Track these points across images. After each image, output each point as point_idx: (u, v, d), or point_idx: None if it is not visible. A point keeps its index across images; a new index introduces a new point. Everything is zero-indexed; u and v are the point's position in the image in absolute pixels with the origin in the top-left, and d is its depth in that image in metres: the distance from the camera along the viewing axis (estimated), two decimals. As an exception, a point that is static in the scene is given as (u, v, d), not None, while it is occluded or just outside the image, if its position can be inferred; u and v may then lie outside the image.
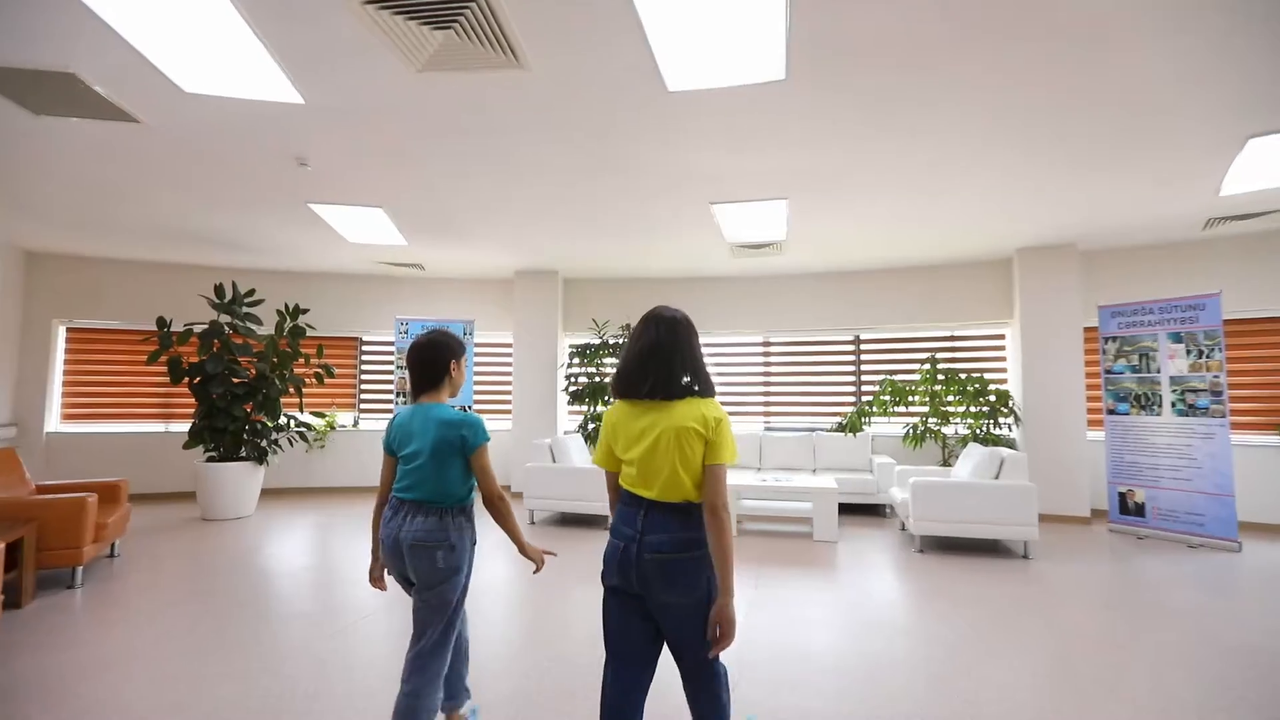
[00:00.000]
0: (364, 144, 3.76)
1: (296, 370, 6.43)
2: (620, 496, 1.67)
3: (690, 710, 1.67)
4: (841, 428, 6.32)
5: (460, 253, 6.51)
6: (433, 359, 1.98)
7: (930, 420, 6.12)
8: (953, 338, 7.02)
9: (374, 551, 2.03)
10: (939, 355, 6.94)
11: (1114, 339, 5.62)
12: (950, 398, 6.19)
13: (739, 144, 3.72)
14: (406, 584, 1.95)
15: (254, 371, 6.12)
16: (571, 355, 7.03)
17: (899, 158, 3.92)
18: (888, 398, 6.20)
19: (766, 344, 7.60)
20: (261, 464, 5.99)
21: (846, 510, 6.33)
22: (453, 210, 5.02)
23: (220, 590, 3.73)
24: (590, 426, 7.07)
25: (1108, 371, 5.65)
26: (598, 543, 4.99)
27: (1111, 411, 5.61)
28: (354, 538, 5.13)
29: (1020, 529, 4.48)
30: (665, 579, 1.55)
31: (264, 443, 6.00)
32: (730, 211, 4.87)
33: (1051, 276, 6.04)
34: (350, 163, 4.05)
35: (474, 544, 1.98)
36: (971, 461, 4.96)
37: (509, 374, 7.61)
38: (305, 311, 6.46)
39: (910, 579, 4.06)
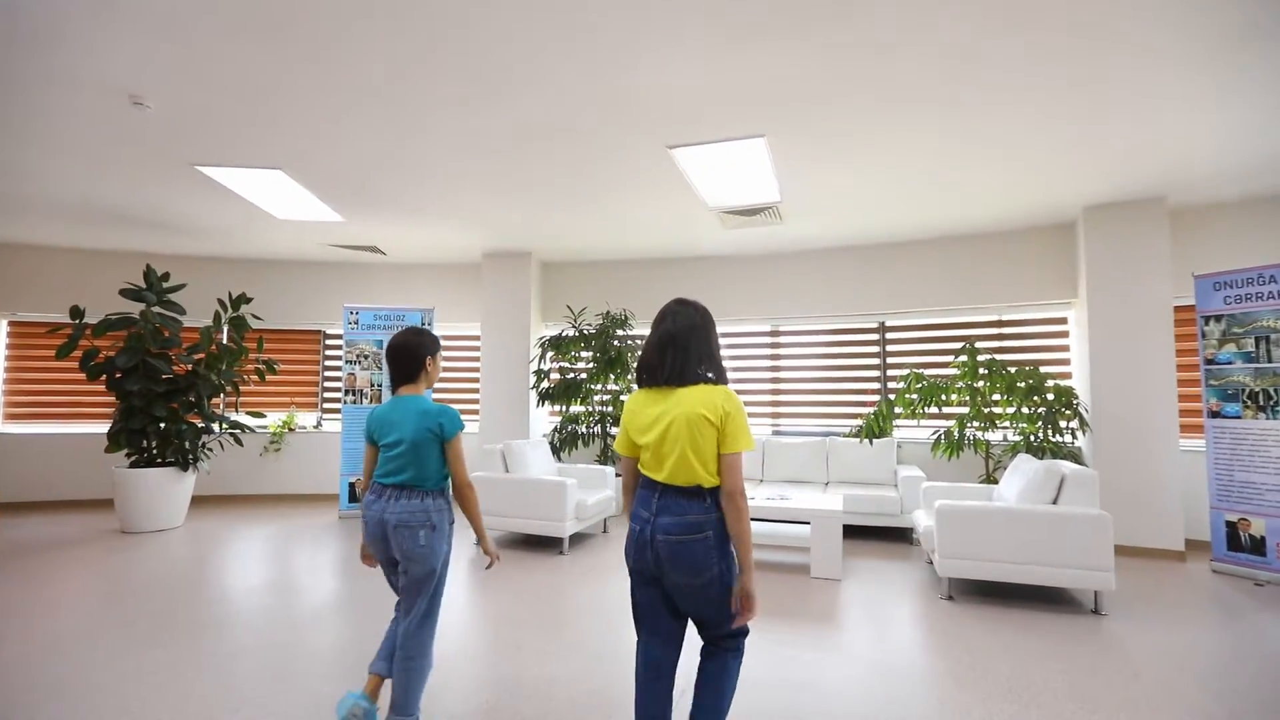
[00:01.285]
0: (218, 78, 2.96)
1: (245, 366, 5.78)
2: (640, 481, 1.76)
3: (696, 684, 1.75)
4: (858, 433, 5.17)
5: (413, 231, 5.72)
6: (410, 355, 2.12)
7: (970, 424, 4.91)
8: (1000, 322, 5.75)
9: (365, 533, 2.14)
10: (984, 344, 5.67)
11: (1218, 318, 4.29)
12: (996, 396, 4.96)
13: (688, 46, 2.72)
14: (390, 564, 2.10)
15: (184, 368, 5.50)
16: (544, 348, 6.13)
17: (910, 70, 2.82)
18: (915, 396, 5.02)
19: (775, 334, 6.50)
20: (188, 470, 5.34)
21: (865, 534, 5.18)
22: (366, 170, 4.20)
23: (93, 620, 3.00)
24: (567, 430, 6.16)
25: (1210, 361, 4.32)
26: (552, 574, 4.06)
27: (1216, 414, 4.28)
28: (295, 552, 4.40)
29: (1088, 573, 3.28)
30: (674, 560, 1.65)
31: (187, 445, 5.35)
32: (696, 158, 3.85)
33: (1130, 241, 4.73)
34: (216, 106, 3.27)
35: (452, 523, 2.14)
36: (1020, 478, 3.76)
37: (478, 369, 6.79)
38: (248, 301, 5.81)
39: (930, 641, 2.95)
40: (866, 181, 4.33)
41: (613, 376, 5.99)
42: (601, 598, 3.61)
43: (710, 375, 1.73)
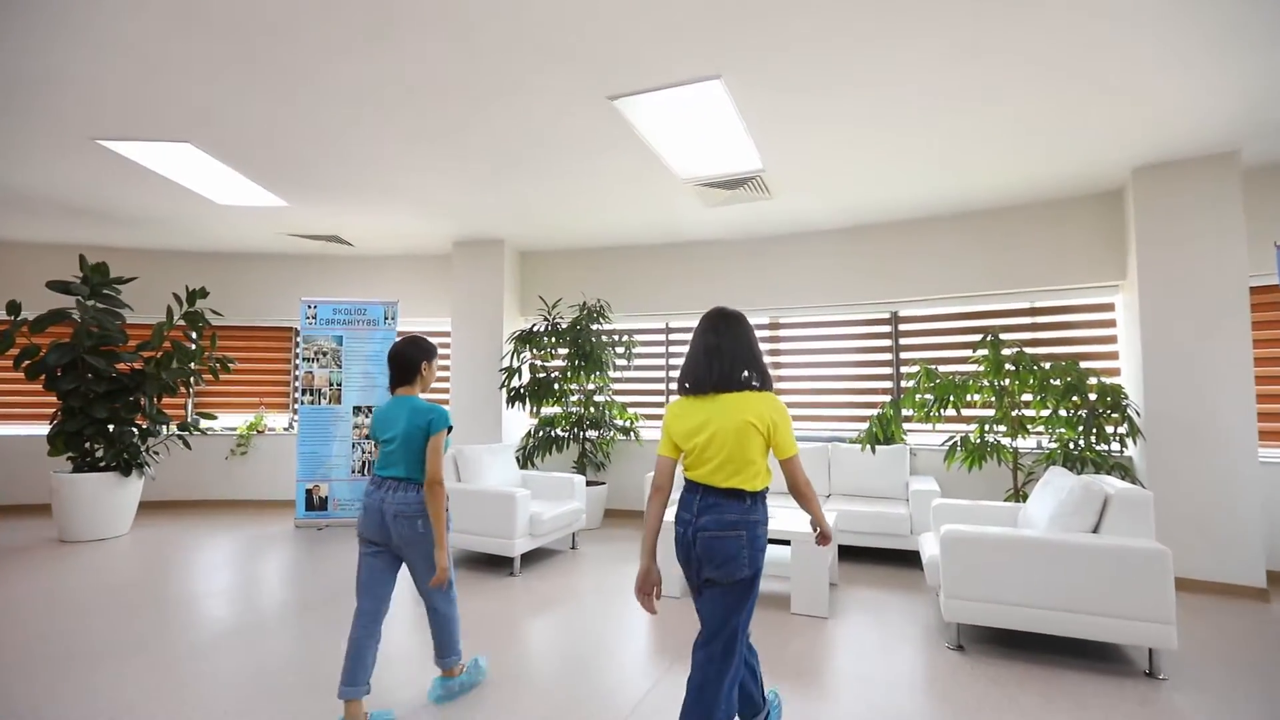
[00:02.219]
0: (105, 40, 2.51)
1: (203, 365, 5.43)
2: (684, 484, 1.83)
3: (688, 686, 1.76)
4: (861, 439, 4.45)
5: (369, 218, 5.26)
6: (408, 360, 2.34)
7: (992, 428, 4.14)
8: (1033, 310, 4.93)
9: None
10: (1014, 336, 4.88)
11: (1309, 299, 3.44)
12: (1026, 396, 4.19)
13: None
14: (372, 546, 2.25)
15: (130, 366, 5.17)
16: (517, 344, 5.59)
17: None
18: (929, 397, 4.27)
19: (774, 326, 5.82)
20: (129, 475, 4.99)
21: (869, 557, 4.46)
22: (279, 139, 3.72)
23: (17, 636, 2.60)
24: (541, 434, 5.61)
25: (1298, 352, 3.47)
26: (490, 600, 3.50)
27: (1307, 418, 3.43)
28: (242, 564, 3.97)
29: (1140, 626, 2.53)
30: (709, 554, 1.72)
31: (130, 448, 4.99)
32: (646, 111, 3.24)
33: (1193, 208, 3.89)
34: (105, 74, 2.82)
35: (448, 509, 2.26)
36: (1052, 498, 3.02)
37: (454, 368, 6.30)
38: (205, 295, 5.45)
39: (927, 708, 2.27)
40: (859, 141, 3.64)
41: (584, 375, 5.40)
42: (545, 633, 3.03)
43: (755, 382, 1.81)
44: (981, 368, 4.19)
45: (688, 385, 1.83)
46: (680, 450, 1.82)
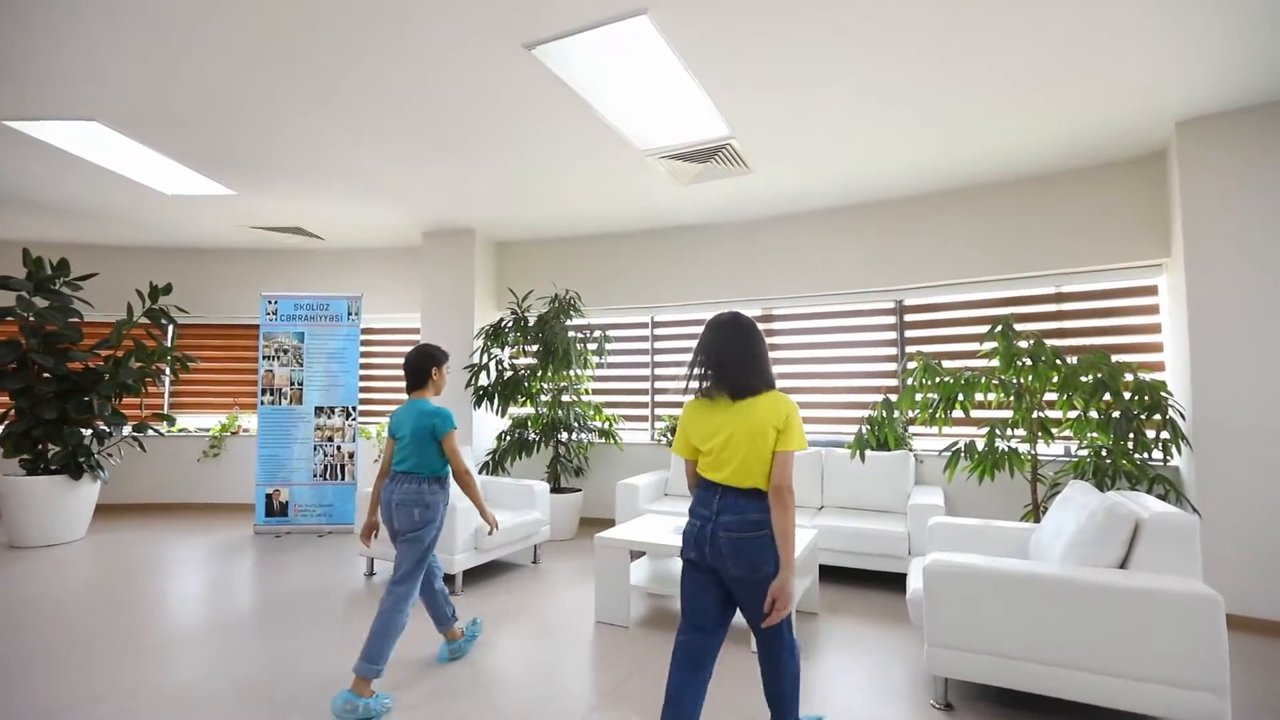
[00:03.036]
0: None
1: (161, 363, 5.21)
2: (699, 482, 1.89)
3: (761, 674, 1.94)
4: (853, 445, 3.88)
5: (325, 206, 4.94)
6: (418, 367, 2.59)
7: (1005, 432, 3.52)
8: (1059, 296, 4.28)
9: (370, 513, 2.65)
10: (1036, 325, 4.25)
11: None
12: (1050, 396, 3.57)
13: None
14: (394, 536, 2.50)
15: (84, 365, 4.97)
16: (486, 339, 5.20)
17: None
18: (934, 396, 3.67)
19: (766, 319, 5.28)
20: (80, 478, 4.78)
21: (863, 580, 3.90)
22: (185, 112, 3.39)
23: None
24: (512, 436, 5.20)
25: (1393, 340, 2.78)
26: (412, 624, 3.09)
27: (1405, 422, 2.75)
28: (195, 573, 3.69)
29: (1182, 693, 1.94)
30: (736, 555, 1.76)
31: (74, 449, 4.78)
32: (577, 64, 2.77)
33: (1255, 166, 3.22)
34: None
35: (446, 504, 2.55)
36: (1071, 520, 2.43)
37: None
38: (167, 292, 5.23)
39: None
40: (838, 100, 3.10)
41: (550, 373, 4.96)
42: (461, 669, 2.60)
43: (760, 383, 1.84)
44: (995, 362, 3.58)
45: (700, 388, 1.88)
46: (697, 451, 1.89)
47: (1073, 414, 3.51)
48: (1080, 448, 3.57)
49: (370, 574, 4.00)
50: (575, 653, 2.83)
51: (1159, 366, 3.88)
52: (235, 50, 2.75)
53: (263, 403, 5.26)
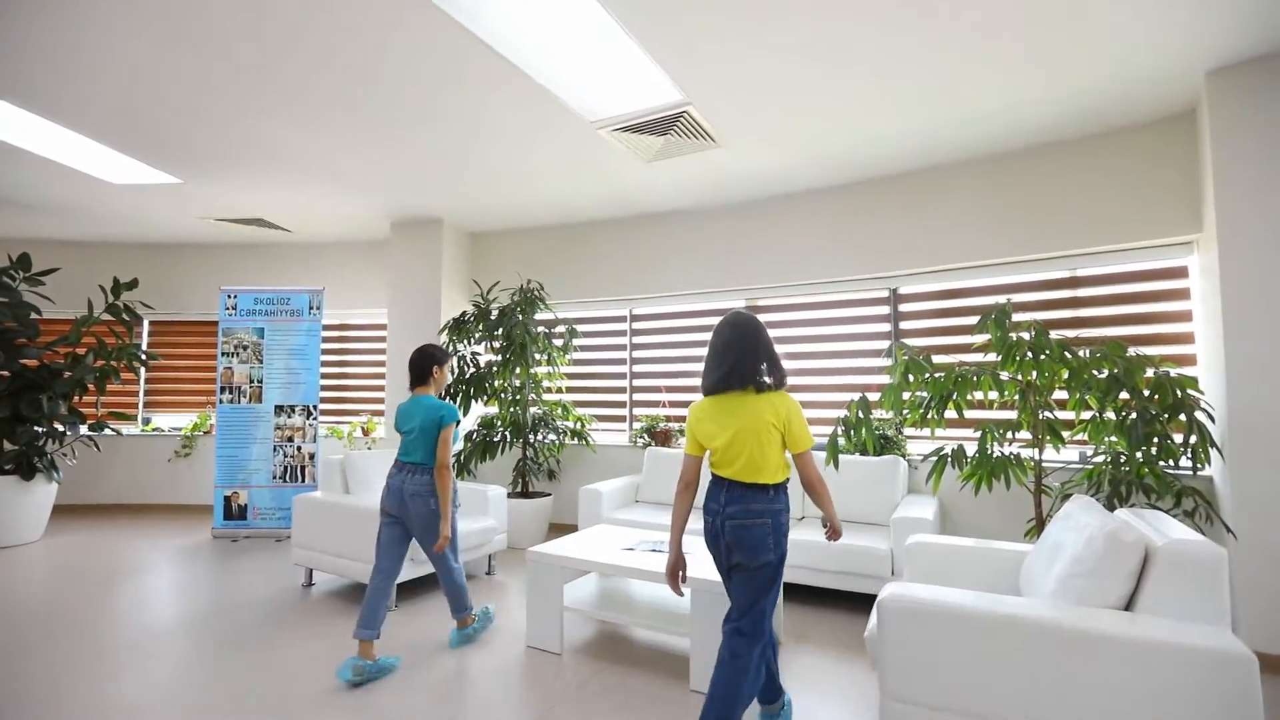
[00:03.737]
0: None
1: (119, 361, 5.04)
2: (711, 479, 1.99)
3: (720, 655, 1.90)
4: (832, 450, 3.44)
5: (282, 194, 4.69)
6: (419, 366, 2.82)
7: (1003, 436, 3.05)
8: (1073, 281, 3.78)
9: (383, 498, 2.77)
10: (1047, 315, 3.76)
11: None
12: (1062, 394, 3.09)
13: None
14: (391, 519, 2.72)
15: (39, 362, 4.82)
16: (451, 334, 4.89)
17: None
18: (924, 394, 3.22)
19: (753, 310, 4.85)
20: (31, 478, 4.62)
21: (840, 602, 3.47)
22: (124, 98, 3.14)
23: None
24: (478, 437, 4.89)
25: None
26: (335, 645, 2.78)
27: None
28: (145, 578, 3.47)
29: (1203, 774, 1.50)
30: (738, 543, 1.88)
31: (26, 448, 4.62)
32: (484, 12, 2.42)
33: (1302, 122, 2.71)
34: None
35: (455, 492, 2.78)
36: (1068, 541, 1.98)
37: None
38: (130, 287, 5.07)
39: None
40: (803, 53, 2.68)
41: (508, 370, 4.63)
42: (370, 698, 2.27)
43: (769, 380, 1.94)
44: (995, 357, 3.11)
45: (710, 385, 1.97)
46: (704, 449, 1.99)
47: (1087, 415, 3.03)
48: (1096, 454, 3.09)
49: (308, 584, 3.72)
50: (487, 685, 2.48)
51: (1190, 360, 3.36)
52: (155, 30, 2.48)
53: (221, 401, 5.05)
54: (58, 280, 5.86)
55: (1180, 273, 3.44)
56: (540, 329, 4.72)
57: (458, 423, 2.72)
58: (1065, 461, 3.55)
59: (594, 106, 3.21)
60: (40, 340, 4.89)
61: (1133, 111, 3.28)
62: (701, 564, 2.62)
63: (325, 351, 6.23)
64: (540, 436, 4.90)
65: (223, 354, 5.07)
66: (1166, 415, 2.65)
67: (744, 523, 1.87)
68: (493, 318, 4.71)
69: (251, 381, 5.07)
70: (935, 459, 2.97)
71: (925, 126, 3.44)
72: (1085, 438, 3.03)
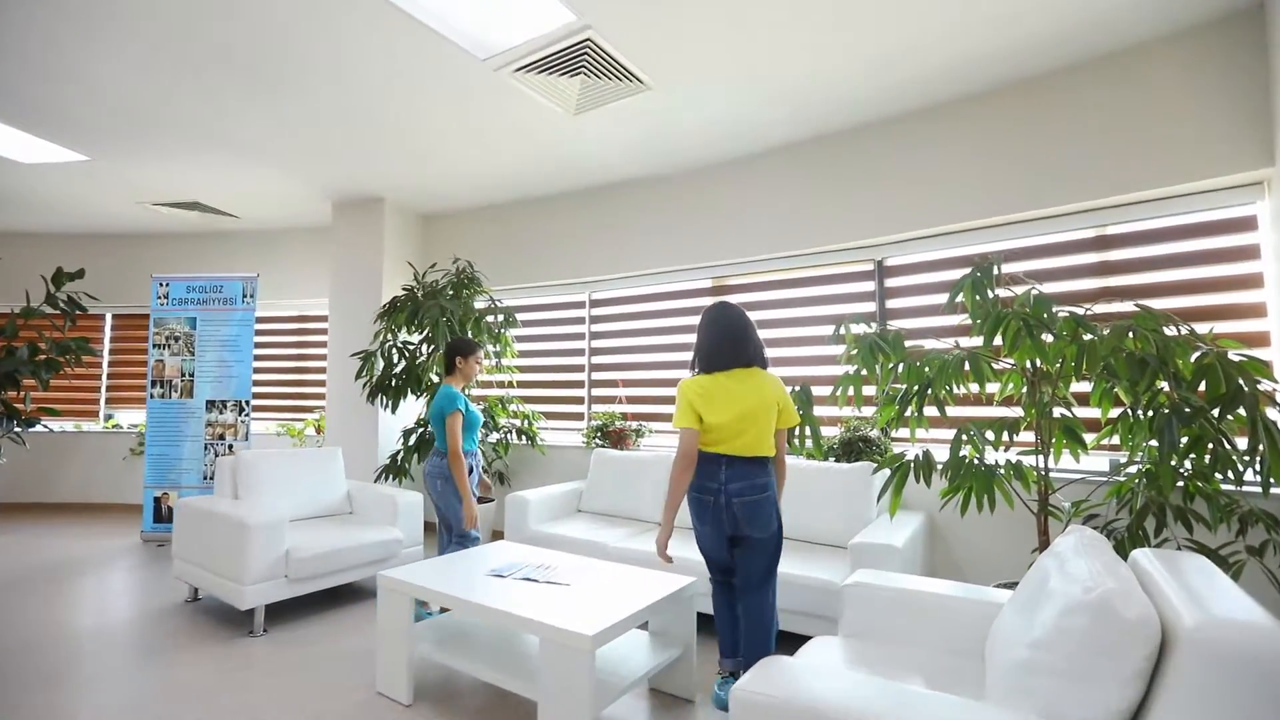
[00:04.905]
0: None
1: (66, 354, 4.80)
2: (699, 457, 2.06)
3: (743, 621, 2.08)
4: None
5: (208, 174, 4.33)
6: (447, 355, 3.00)
7: (998, 438, 2.31)
8: (1102, 242, 2.97)
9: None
10: (1070, 286, 2.98)
11: None
12: (1083, 385, 2.34)
13: None
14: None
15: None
16: (386, 322, 4.41)
17: None
18: (900, 388, 2.50)
19: (719, 291, 4.21)
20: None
21: (790, 645, 2.79)
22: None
23: None
24: (417, 436, 4.40)
25: None
26: (193, 679, 2.32)
27: None
28: (52, 584, 3.19)
29: None
30: (751, 518, 2.02)
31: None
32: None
33: None
34: None
35: (470, 473, 2.93)
36: (1049, 601, 1.29)
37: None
38: (72, 278, 4.81)
39: None
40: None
41: (430, 361, 4.11)
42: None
43: (762, 360, 2.19)
44: (1000, 344, 2.36)
45: (715, 362, 2.11)
46: (703, 423, 2.04)
47: (1115, 412, 2.28)
48: (1130, 463, 2.32)
49: (192, 599, 3.30)
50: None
51: (1260, 340, 2.54)
52: None
53: (152, 396, 4.73)
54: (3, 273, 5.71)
55: (1245, 224, 2.60)
56: (475, 315, 4.18)
57: (460, 411, 2.81)
58: (1086, 472, 2.76)
59: (484, 41, 2.64)
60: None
61: (1177, 13, 2.48)
62: (527, 603, 2.02)
63: (283, 345, 5.90)
64: (485, 434, 4.38)
65: (154, 345, 4.76)
66: (1219, 411, 1.87)
67: (754, 498, 2.00)
68: (416, 302, 4.19)
69: (183, 375, 4.74)
70: (894, 470, 2.26)
71: (907, 52, 2.72)
72: (1118, 441, 2.28)
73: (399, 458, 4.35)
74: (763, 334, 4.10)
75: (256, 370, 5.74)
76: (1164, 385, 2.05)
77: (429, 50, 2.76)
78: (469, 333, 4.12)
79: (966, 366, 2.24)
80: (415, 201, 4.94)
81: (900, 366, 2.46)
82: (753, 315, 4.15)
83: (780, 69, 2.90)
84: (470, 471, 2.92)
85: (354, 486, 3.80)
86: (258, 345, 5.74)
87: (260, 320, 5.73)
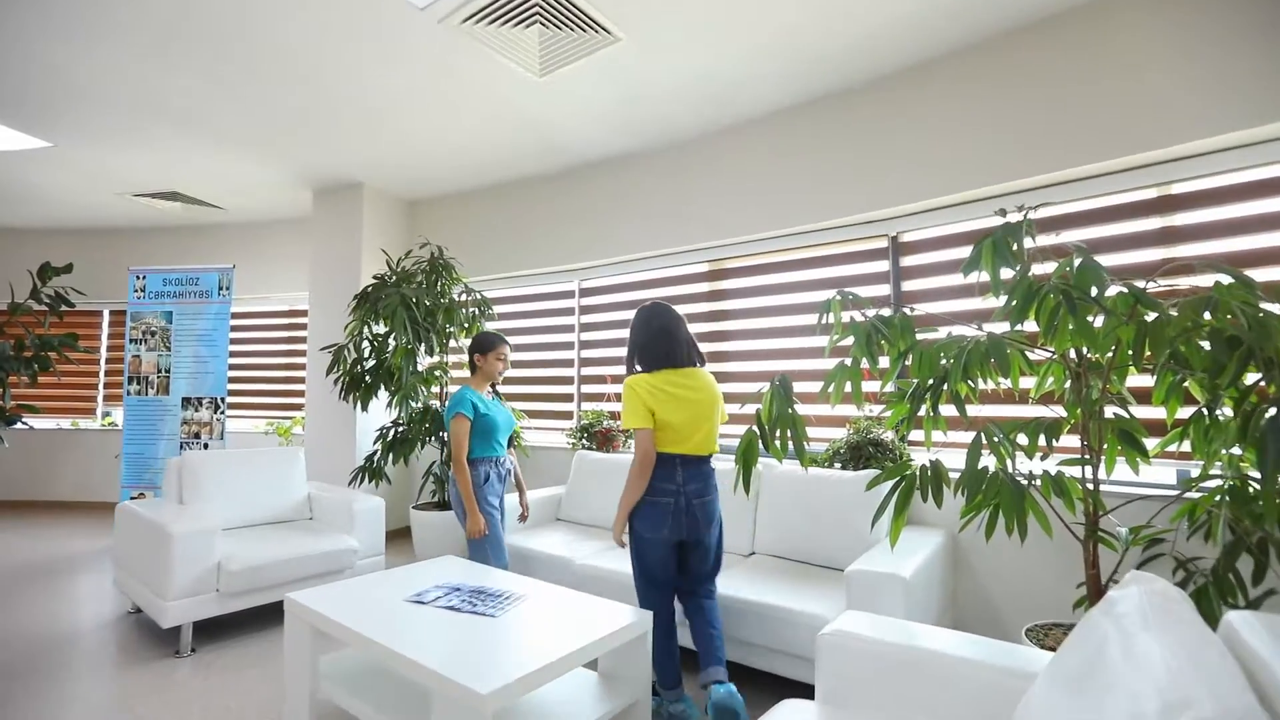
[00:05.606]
0: None
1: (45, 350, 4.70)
2: (659, 458, 2.00)
3: (696, 624, 2.04)
4: (741, 462, 2.34)
5: (181, 160, 4.13)
6: (468, 353, 2.80)
7: (1033, 443, 1.84)
8: (1166, 203, 2.44)
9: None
10: (1121, 258, 2.47)
11: None
12: (1143, 379, 1.85)
13: None
14: None
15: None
16: (358, 314, 4.14)
17: None
18: (914, 383, 2.05)
19: (716, 276, 3.79)
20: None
21: (763, 686, 2.35)
22: None
23: None
24: (392, 435, 4.11)
25: None
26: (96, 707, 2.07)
27: None
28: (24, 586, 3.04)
29: None
30: (708, 519, 2.02)
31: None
32: None
33: None
34: None
35: (488, 481, 2.65)
36: (1111, 683, 0.85)
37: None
38: (59, 272, 4.70)
39: None
40: None
41: (398, 355, 3.79)
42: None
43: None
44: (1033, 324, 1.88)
45: (661, 360, 2.05)
46: (657, 421, 1.98)
47: (1185, 411, 1.79)
48: (1204, 476, 1.82)
49: (135, 611, 3.06)
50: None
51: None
52: None
53: (129, 393, 4.58)
54: None
55: (1363, 173, 2.05)
56: (444, 304, 3.86)
57: (464, 415, 2.57)
58: (1147, 486, 2.25)
59: (412, -22, 2.30)
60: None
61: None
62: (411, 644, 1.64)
63: (273, 340, 5.72)
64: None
65: (130, 341, 4.60)
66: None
67: (709, 498, 2.02)
68: (384, 290, 3.88)
69: (159, 371, 4.57)
70: (896, 483, 1.80)
71: (912, -28, 2.26)
72: (1189, 448, 1.78)
73: (374, 459, 4.07)
74: (768, 322, 3.68)
75: (245, 367, 5.57)
76: (1256, 378, 1.55)
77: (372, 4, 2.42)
78: (437, 323, 3.79)
79: (993, 359, 1.77)
80: (396, 187, 4.66)
81: (911, 356, 2.00)
82: (755, 301, 3.81)
83: (772, 10, 2.46)
84: (487, 480, 2.66)
85: (316, 490, 3.52)
86: (247, 341, 5.57)
87: (249, 315, 5.57)
